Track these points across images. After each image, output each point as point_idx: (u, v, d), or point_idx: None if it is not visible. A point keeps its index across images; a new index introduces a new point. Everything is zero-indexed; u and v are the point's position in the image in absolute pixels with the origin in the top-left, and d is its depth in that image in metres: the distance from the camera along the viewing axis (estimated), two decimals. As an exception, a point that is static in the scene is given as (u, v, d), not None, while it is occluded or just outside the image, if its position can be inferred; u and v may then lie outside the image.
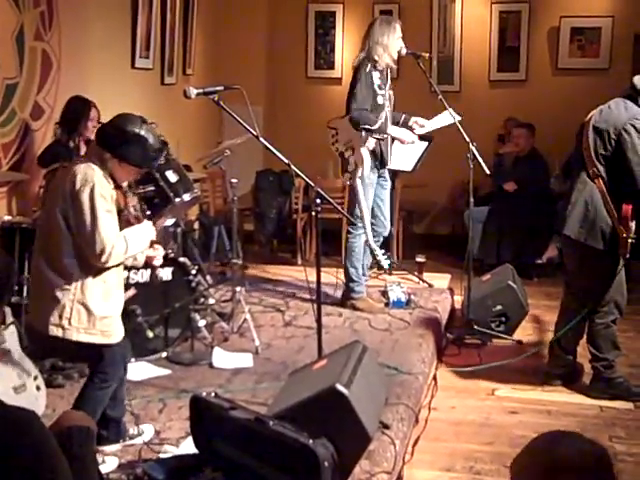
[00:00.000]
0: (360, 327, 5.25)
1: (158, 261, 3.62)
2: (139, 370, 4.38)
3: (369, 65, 5.29)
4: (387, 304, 5.67)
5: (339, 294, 5.72)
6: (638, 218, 4.22)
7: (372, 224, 5.48)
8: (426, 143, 6.20)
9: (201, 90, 3.68)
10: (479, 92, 8.52)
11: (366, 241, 5.35)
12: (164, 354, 4.60)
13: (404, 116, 5.60)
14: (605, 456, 1.54)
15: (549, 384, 4.64)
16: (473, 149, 5.26)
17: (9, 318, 3.61)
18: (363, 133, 5.26)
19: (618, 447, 3.88)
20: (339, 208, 4.08)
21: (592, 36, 8.36)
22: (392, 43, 5.33)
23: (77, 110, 4.97)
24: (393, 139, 5.57)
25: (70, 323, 3.18)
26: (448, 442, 3.95)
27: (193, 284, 4.73)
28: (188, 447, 3.33)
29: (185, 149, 6.85)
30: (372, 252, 5.27)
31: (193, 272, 4.75)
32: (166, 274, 4.62)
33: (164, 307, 4.58)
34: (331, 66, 8.91)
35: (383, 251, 5.13)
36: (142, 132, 3.23)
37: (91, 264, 3.17)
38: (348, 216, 4.40)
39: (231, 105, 3.69)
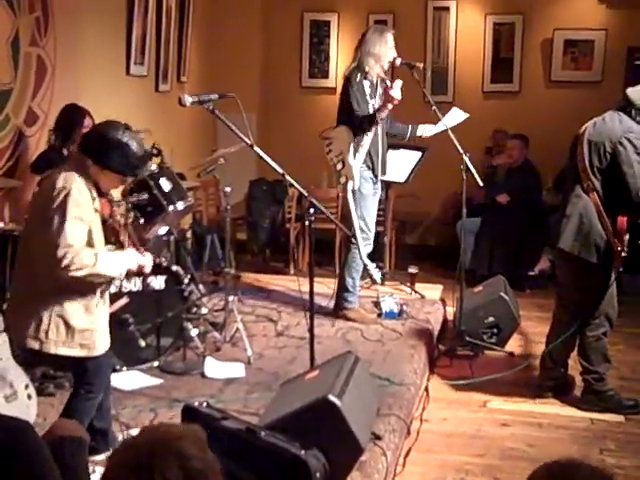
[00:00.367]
0: (352, 338, 5.25)
1: (148, 268, 3.54)
2: (131, 379, 4.36)
3: (359, 75, 5.30)
4: (379, 315, 5.66)
5: (332, 304, 5.72)
6: (631, 231, 4.25)
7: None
8: (420, 154, 6.22)
9: (196, 98, 3.69)
10: (472, 103, 8.52)
11: (359, 254, 5.37)
12: (156, 363, 4.59)
13: (410, 127, 5.61)
14: None
15: (540, 396, 4.65)
16: (466, 160, 5.27)
17: (0, 326, 3.59)
18: (352, 146, 5.27)
19: (608, 460, 3.89)
20: (332, 218, 4.08)
21: (585, 49, 8.41)
22: (384, 53, 5.34)
23: (71, 118, 4.96)
24: (387, 149, 5.58)
25: (47, 336, 3.13)
26: (439, 454, 3.95)
27: (186, 293, 4.72)
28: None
29: (179, 157, 6.84)
30: (364, 264, 5.28)
31: (186, 281, 4.74)
32: (159, 283, 4.60)
33: (156, 316, 4.57)
34: (325, 75, 8.93)
35: (375, 265, 5.14)
36: (124, 139, 3.16)
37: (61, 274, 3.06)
38: (342, 227, 4.40)
39: (225, 113, 3.69)
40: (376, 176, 5.47)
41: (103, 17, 6.25)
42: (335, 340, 5.17)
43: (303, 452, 2.92)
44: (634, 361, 5.32)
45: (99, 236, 3.24)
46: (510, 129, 7.76)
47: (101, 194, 3.25)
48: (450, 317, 5.92)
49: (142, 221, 4.54)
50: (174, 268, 4.74)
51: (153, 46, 7.13)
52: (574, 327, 4.46)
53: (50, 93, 5.54)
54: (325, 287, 5.84)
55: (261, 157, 3.75)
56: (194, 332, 4.71)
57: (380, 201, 5.68)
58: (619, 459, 3.92)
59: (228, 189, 5.14)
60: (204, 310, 5.07)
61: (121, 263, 3.22)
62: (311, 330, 3.75)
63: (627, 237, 4.22)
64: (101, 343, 3.28)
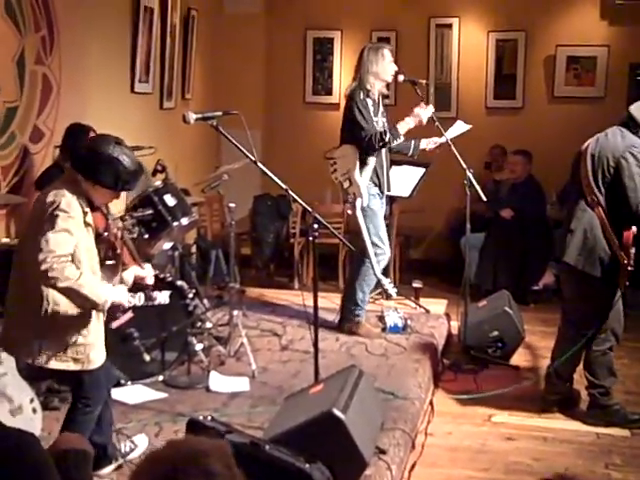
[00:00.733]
0: (357, 352, 5.25)
1: (150, 280, 3.55)
2: (135, 393, 4.37)
3: (362, 93, 5.33)
4: (384, 329, 5.67)
5: (336, 319, 5.72)
6: (637, 245, 4.25)
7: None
8: (423, 169, 6.25)
9: (200, 115, 3.71)
10: (476, 119, 8.51)
11: (373, 271, 5.39)
12: (161, 377, 4.60)
13: (413, 141, 5.63)
14: None
15: (546, 410, 4.63)
16: (470, 176, 5.29)
17: (5, 340, 3.61)
18: (357, 164, 5.30)
19: (614, 474, 3.88)
20: (336, 233, 4.10)
21: (588, 65, 8.44)
22: (382, 69, 5.37)
23: (74, 136, 4.99)
24: (390, 165, 5.61)
25: (40, 351, 3.12)
26: (444, 468, 3.94)
27: (190, 308, 4.74)
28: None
29: (183, 173, 6.88)
30: (378, 280, 5.30)
31: (190, 296, 4.76)
32: (163, 297, 4.62)
33: (161, 330, 4.58)
34: (329, 92, 8.97)
35: (389, 280, 5.15)
36: (115, 154, 3.11)
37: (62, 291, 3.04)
38: (346, 242, 4.41)
39: (229, 130, 3.72)
40: (382, 192, 5.50)
41: (108, 35, 6.30)
42: (339, 354, 5.17)
43: (308, 466, 2.92)
44: (639, 375, 5.31)
45: (91, 250, 3.20)
46: (513, 145, 7.78)
47: (95, 208, 3.21)
48: (454, 331, 5.92)
49: (147, 236, 4.57)
50: (179, 283, 4.75)
51: (157, 64, 7.19)
52: (580, 341, 4.45)
53: (55, 111, 5.59)
54: (329, 302, 5.84)
55: (265, 173, 3.77)
56: (199, 346, 4.71)
57: (385, 216, 5.69)
58: (625, 474, 3.90)
59: (232, 204, 5.17)
60: (209, 324, 5.09)
61: (106, 293, 3.13)
62: (315, 344, 3.76)
63: (633, 251, 4.23)
64: (96, 357, 3.25)
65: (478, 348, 5.35)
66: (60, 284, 2.99)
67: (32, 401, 3.60)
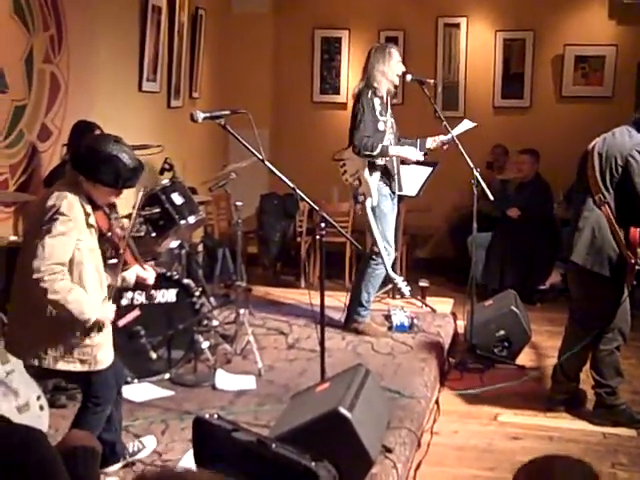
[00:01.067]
0: (363, 351, 5.25)
1: (151, 281, 3.55)
2: (142, 391, 4.38)
3: (370, 92, 5.33)
4: (390, 328, 5.67)
5: (343, 317, 5.73)
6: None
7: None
8: (430, 168, 6.24)
9: (208, 114, 3.72)
10: (483, 118, 8.53)
11: (385, 271, 5.40)
12: (167, 375, 4.61)
13: (419, 141, 5.63)
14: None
15: (552, 410, 4.63)
16: (477, 175, 5.29)
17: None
18: (367, 164, 5.31)
19: (621, 474, 3.87)
20: (344, 233, 4.10)
21: (596, 64, 8.42)
22: (390, 69, 5.37)
23: (80, 133, 5.01)
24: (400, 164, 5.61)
25: (46, 352, 3.13)
26: (450, 467, 3.94)
27: (197, 306, 4.75)
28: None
29: (191, 172, 6.89)
30: (391, 280, 5.30)
31: (197, 294, 4.77)
32: (170, 296, 4.63)
33: (167, 328, 4.60)
34: (336, 91, 8.98)
35: (402, 278, 5.15)
36: (114, 152, 3.10)
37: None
38: (353, 241, 4.41)
39: (237, 128, 3.72)
40: (394, 192, 5.50)
41: (116, 34, 6.32)
42: (346, 353, 5.18)
43: (314, 464, 2.92)
44: (646, 375, 5.31)
45: (94, 251, 3.20)
46: (521, 144, 7.76)
47: (98, 207, 3.21)
48: (461, 331, 5.92)
49: (154, 234, 4.58)
50: (185, 281, 4.77)
51: (165, 62, 7.21)
52: (586, 341, 4.45)
53: (63, 109, 5.60)
54: (336, 300, 5.85)
55: (273, 172, 3.77)
56: (205, 344, 4.72)
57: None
58: (631, 473, 3.90)
59: (239, 203, 5.18)
60: (215, 323, 5.10)
61: (91, 311, 3.09)
62: (322, 343, 3.77)
63: (640, 250, 4.22)
64: (104, 357, 3.25)
65: (484, 347, 5.35)
66: (49, 296, 3.01)
67: (39, 398, 3.62)
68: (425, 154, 5.63)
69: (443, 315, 6.17)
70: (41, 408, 3.62)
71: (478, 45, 8.63)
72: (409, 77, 5.45)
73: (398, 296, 6.37)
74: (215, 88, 8.43)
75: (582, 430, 4.42)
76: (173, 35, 7.27)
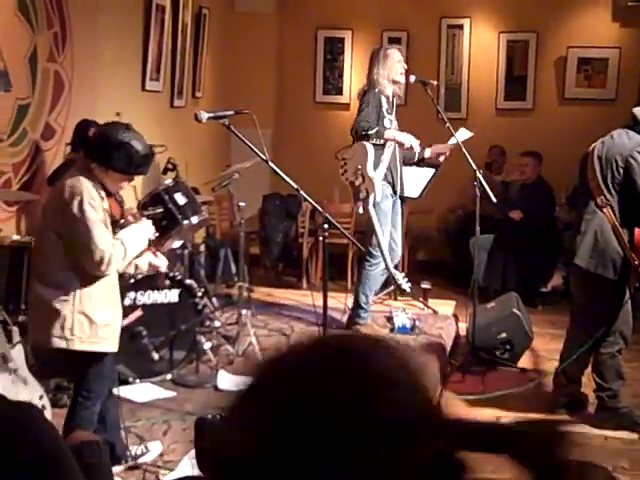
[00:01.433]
0: (365, 352, 5.23)
1: (163, 268, 3.67)
2: (144, 392, 4.38)
3: (376, 90, 5.34)
4: (392, 330, 5.67)
5: (345, 319, 5.72)
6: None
7: None
8: (433, 170, 6.23)
9: (212, 114, 3.72)
10: (486, 120, 8.56)
11: (385, 267, 5.38)
12: (169, 376, 4.61)
13: (419, 151, 5.63)
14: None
15: (554, 413, 4.62)
16: (480, 177, 5.28)
17: (16, 337, 3.63)
18: (371, 159, 5.29)
19: (622, 478, 3.86)
20: (346, 234, 4.10)
21: (599, 67, 8.41)
22: (388, 70, 5.37)
23: (80, 132, 5.05)
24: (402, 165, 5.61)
25: (73, 333, 3.19)
26: (452, 470, 3.93)
27: (199, 307, 4.75)
28: (185, 469, 3.33)
29: (194, 172, 6.89)
30: (393, 277, 5.28)
31: (199, 294, 4.77)
32: (172, 296, 4.63)
33: (170, 329, 4.60)
34: (339, 92, 8.97)
35: (403, 274, 5.14)
36: (125, 138, 3.19)
37: (89, 274, 3.18)
38: (356, 242, 4.41)
39: (240, 129, 3.72)
40: (395, 192, 5.49)
41: (120, 33, 6.32)
42: (347, 355, 5.16)
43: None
44: (647, 378, 5.30)
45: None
46: (523, 146, 7.76)
47: (110, 195, 3.29)
48: (462, 333, 5.91)
49: (157, 234, 4.57)
50: (188, 281, 4.77)
51: (169, 62, 7.20)
52: (588, 344, 4.45)
53: (67, 108, 5.60)
54: (338, 302, 5.85)
55: (276, 173, 3.77)
56: (207, 345, 4.73)
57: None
58: (633, 477, 3.89)
59: (242, 203, 5.18)
60: (217, 323, 5.10)
61: (141, 236, 3.35)
62: (324, 344, 3.75)
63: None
64: (117, 339, 3.36)
65: (486, 350, 5.34)
66: (117, 267, 3.25)
67: (41, 398, 3.62)
68: (421, 160, 5.64)
69: (445, 317, 6.16)
70: (43, 408, 3.62)
71: (481, 46, 8.63)
72: (412, 78, 5.45)
73: (400, 297, 6.37)
74: (218, 88, 8.43)
75: (583, 433, 4.40)
76: (177, 34, 7.27)
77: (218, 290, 6.22)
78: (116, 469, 3.41)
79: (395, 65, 5.40)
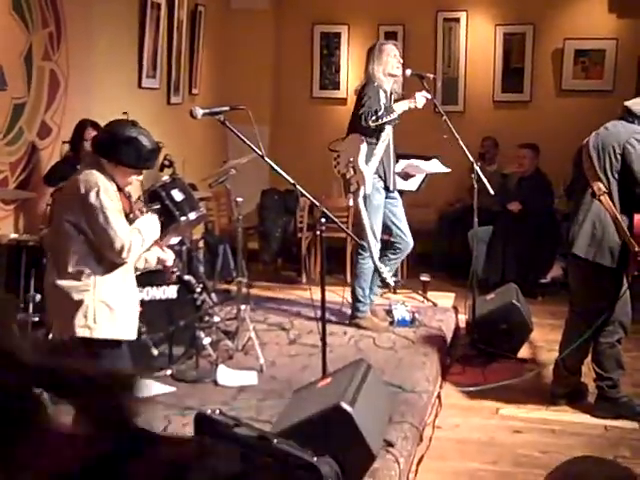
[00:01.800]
0: (364, 345, 5.26)
1: (170, 262, 3.78)
2: (143, 387, 4.39)
3: (374, 84, 5.34)
4: (392, 323, 5.67)
5: (344, 312, 5.73)
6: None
7: (393, 242, 5.59)
8: (434, 162, 6.24)
9: (207, 110, 3.73)
10: (483, 113, 8.57)
11: (371, 260, 5.38)
12: (169, 371, 4.61)
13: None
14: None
15: (554, 403, 4.63)
16: (477, 169, 5.29)
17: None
18: (364, 152, 5.29)
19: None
20: (344, 228, 4.11)
21: (596, 58, 8.40)
22: (384, 64, 5.38)
23: (77, 131, 5.09)
24: (397, 159, 5.61)
25: (96, 321, 3.27)
26: (452, 461, 3.95)
27: (198, 302, 4.74)
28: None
29: (191, 168, 6.89)
30: (377, 270, 5.28)
31: (198, 290, 4.76)
32: (171, 292, 4.64)
33: (169, 325, 4.60)
34: (336, 86, 8.97)
35: (388, 268, 5.14)
36: (133, 134, 3.32)
37: (106, 263, 3.28)
38: (354, 236, 4.42)
39: (237, 125, 3.72)
40: (387, 187, 5.49)
41: (115, 31, 6.32)
42: (347, 348, 5.18)
43: (315, 459, 2.92)
44: (647, 368, 5.31)
45: None
46: (521, 138, 7.75)
47: (119, 190, 3.39)
48: (462, 325, 5.92)
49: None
50: (186, 277, 4.76)
51: (165, 59, 7.20)
52: (587, 334, 4.45)
53: (63, 107, 5.60)
54: (336, 295, 5.85)
55: (272, 167, 3.77)
56: (206, 340, 4.73)
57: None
58: (634, 466, 3.88)
59: (240, 199, 5.18)
60: (216, 319, 5.11)
61: (153, 226, 3.49)
62: (323, 338, 3.77)
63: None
64: (135, 326, 3.45)
65: (486, 341, 5.35)
66: (136, 255, 3.37)
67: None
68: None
69: (444, 309, 6.17)
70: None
71: (478, 39, 8.62)
72: (408, 72, 5.45)
73: (400, 290, 6.39)
74: (214, 84, 8.43)
75: (584, 423, 4.42)
76: (172, 31, 7.27)
77: (217, 286, 6.23)
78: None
79: (391, 59, 5.40)
